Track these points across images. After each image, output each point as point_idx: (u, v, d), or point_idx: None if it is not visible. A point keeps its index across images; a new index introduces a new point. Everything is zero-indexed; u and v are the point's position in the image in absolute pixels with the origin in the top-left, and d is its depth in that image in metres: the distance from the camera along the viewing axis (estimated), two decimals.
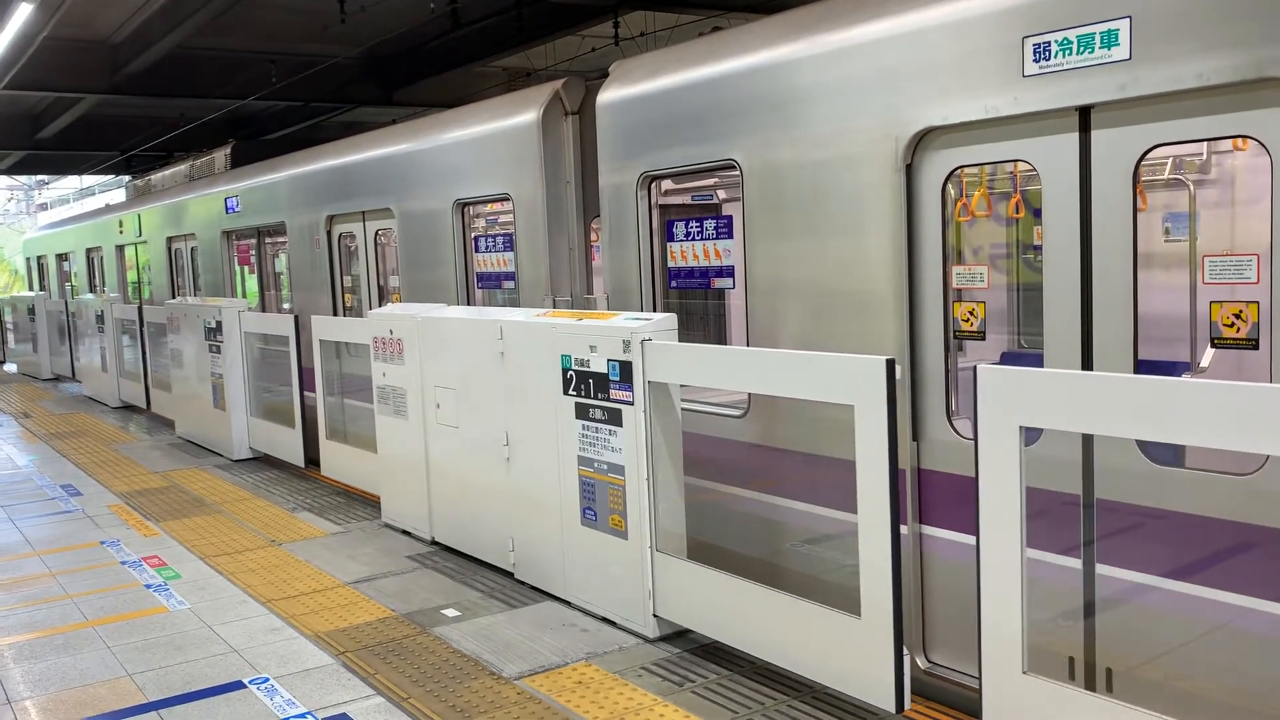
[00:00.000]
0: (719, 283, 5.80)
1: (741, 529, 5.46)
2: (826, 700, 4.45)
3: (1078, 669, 4.06)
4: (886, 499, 3.90)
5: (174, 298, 14.58)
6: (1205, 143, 4.87)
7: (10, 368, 22.15)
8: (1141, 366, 3.91)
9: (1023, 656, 3.56)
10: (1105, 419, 3.28)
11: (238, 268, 13.48)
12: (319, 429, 9.15)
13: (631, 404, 5.01)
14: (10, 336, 22.70)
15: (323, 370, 9.11)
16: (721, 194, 7.40)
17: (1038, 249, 4.28)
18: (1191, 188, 5.22)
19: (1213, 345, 3.79)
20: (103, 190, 41.19)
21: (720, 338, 6.55)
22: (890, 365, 3.88)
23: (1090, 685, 4.00)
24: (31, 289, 26.03)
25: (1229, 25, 3.48)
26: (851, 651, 4.13)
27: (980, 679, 3.71)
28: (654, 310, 6.17)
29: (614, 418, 5.13)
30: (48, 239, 24.01)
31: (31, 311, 19.67)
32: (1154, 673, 3.84)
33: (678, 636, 5.16)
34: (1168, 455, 3.84)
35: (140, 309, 13.80)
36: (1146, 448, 3.84)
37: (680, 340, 5.16)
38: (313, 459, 9.47)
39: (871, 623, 4.02)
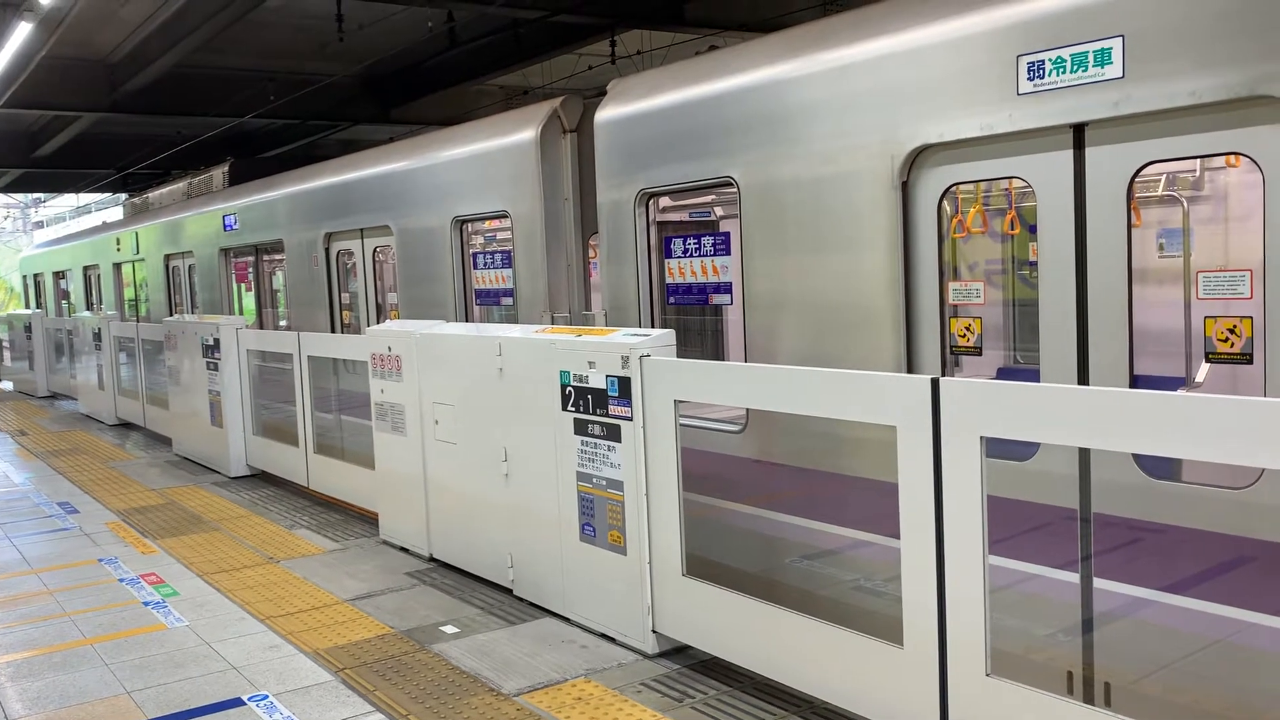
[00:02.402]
0: (717, 299, 5.83)
1: (740, 544, 5.47)
2: (826, 715, 4.45)
3: (1076, 684, 4.07)
4: (932, 525, 3.70)
5: (171, 315, 14.60)
6: (1198, 160, 4.91)
7: (6, 385, 22.11)
8: (1137, 381, 3.94)
9: (986, 659, 3.58)
10: (1057, 429, 3.32)
11: (235, 285, 13.50)
12: (305, 443, 9.15)
13: (630, 420, 5.03)
14: (6, 354, 22.67)
15: (313, 386, 9.13)
16: (719, 211, 7.44)
17: (1033, 265, 4.31)
18: (1185, 204, 5.26)
19: (1207, 360, 3.82)
20: (99, 208, 41.23)
21: (718, 354, 6.57)
22: (935, 384, 3.66)
23: (1089, 700, 4.01)
24: (28, 307, 26.03)
25: (1221, 43, 3.52)
26: (891, 682, 3.95)
27: (944, 682, 3.72)
28: (652, 326, 6.20)
29: (613, 433, 5.15)
30: (45, 257, 24.04)
31: (28, 329, 19.66)
32: (1152, 687, 3.86)
33: (677, 652, 5.16)
34: (1163, 469, 3.86)
35: (137, 326, 13.82)
36: (1142, 462, 3.86)
37: (676, 357, 5.17)
38: None
39: (916, 654, 3.84)
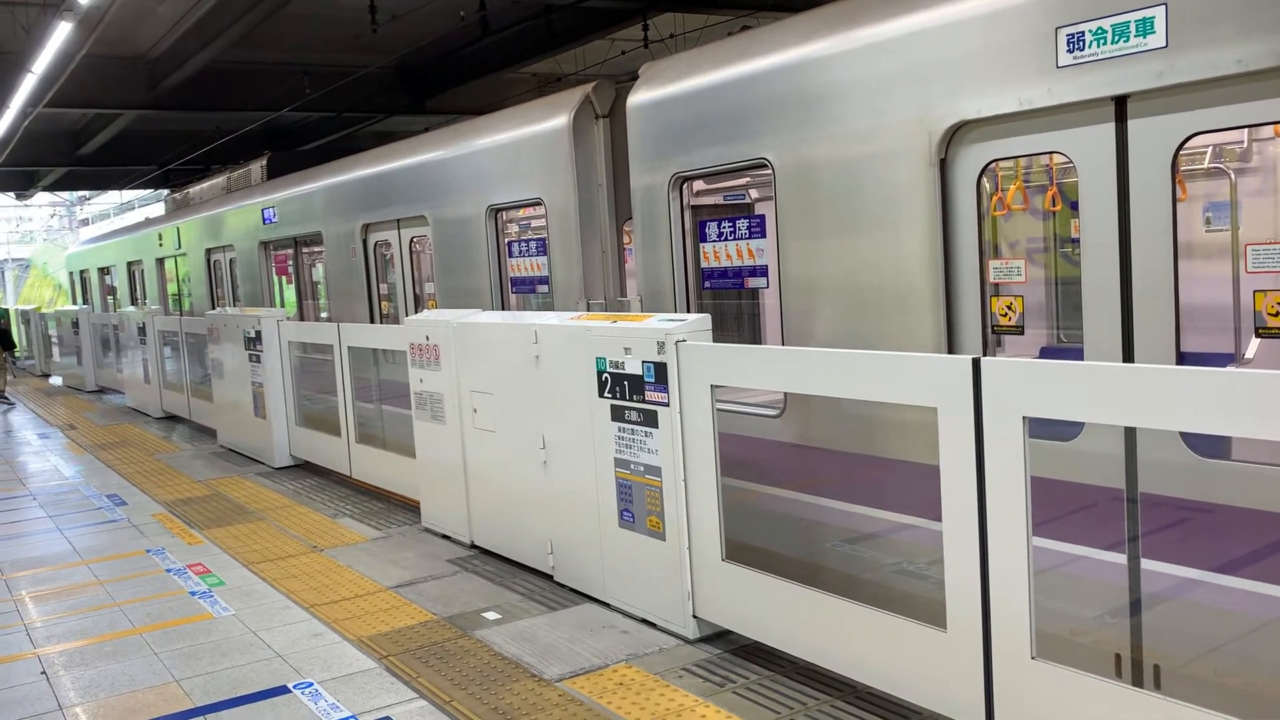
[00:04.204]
0: (753, 282, 5.78)
1: (780, 529, 5.44)
2: (870, 700, 4.42)
3: (1124, 666, 4.01)
4: (974, 507, 3.66)
5: (214, 309, 14.78)
6: (1246, 130, 4.80)
7: (56, 380, 22.53)
8: (1185, 358, 3.86)
9: (1031, 642, 3.53)
10: (1102, 408, 3.25)
11: (275, 278, 13.64)
12: (347, 433, 9.22)
13: (667, 405, 5.01)
14: (55, 350, 23.08)
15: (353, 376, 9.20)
16: (754, 193, 7.39)
17: (1075, 242, 4.23)
18: (1232, 176, 5.13)
19: (1257, 335, 3.73)
20: (142, 205, 41.83)
21: (755, 337, 6.53)
22: (977, 364, 3.60)
23: (1138, 683, 3.94)
24: (75, 303, 26.49)
25: (1268, 10, 3.42)
26: (935, 666, 3.91)
27: (988, 665, 3.67)
28: (688, 311, 6.17)
29: (649, 419, 5.13)
30: (90, 253, 24.43)
31: (75, 325, 20.00)
32: (1202, 670, 3.79)
33: (718, 637, 5.15)
34: (1212, 448, 3.78)
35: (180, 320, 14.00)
36: (1190, 440, 3.78)
37: (712, 341, 5.13)
38: None
39: (958, 637, 3.80)
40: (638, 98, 6.28)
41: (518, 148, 7.77)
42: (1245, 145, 5.10)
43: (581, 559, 5.86)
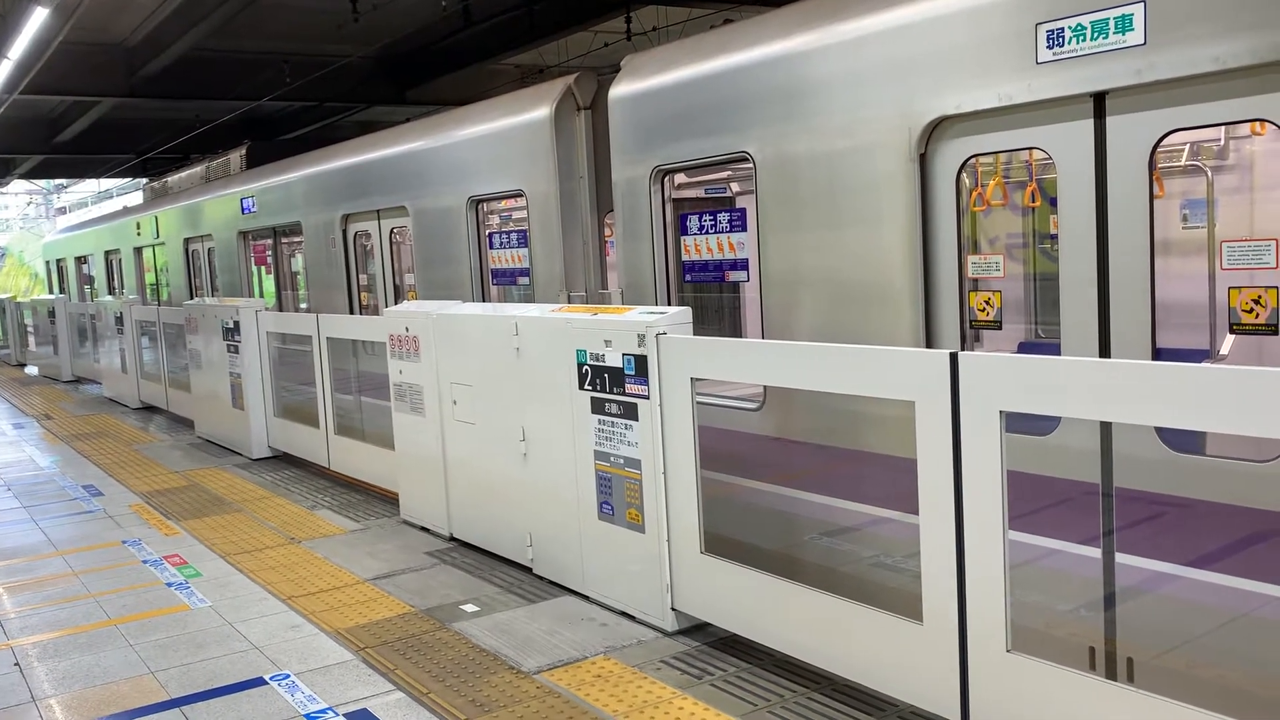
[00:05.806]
0: (733, 276, 5.79)
1: (759, 522, 5.45)
2: (846, 692, 4.44)
3: (1098, 659, 4.04)
4: (950, 500, 3.68)
5: (192, 299, 14.67)
6: (1222, 127, 4.83)
7: (31, 370, 22.32)
8: (1160, 354, 3.89)
9: (1006, 635, 3.55)
10: (1078, 403, 3.28)
11: (254, 268, 13.55)
12: (326, 425, 9.18)
13: (647, 398, 5.01)
14: (31, 339, 22.88)
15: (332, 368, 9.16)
16: (735, 187, 7.39)
17: (1054, 238, 4.25)
18: (1209, 173, 5.17)
19: (1232, 332, 3.76)
20: (121, 193, 41.47)
21: (735, 331, 6.54)
22: (954, 359, 3.62)
23: (1111, 675, 3.98)
24: (51, 292, 26.25)
25: (1246, 8, 3.45)
26: (911, 659, 3.93)
27: (964, 658, 3.70)
28: (669, 304, 6.17)
29: (629, 412, 5.13)
30: (67, 242, 24.21)
31: (52, 314, 19.82)
32: (1175, 662, 3.82)
33: (696, 630, 5.16)
34: (1187, 443, 3.81)
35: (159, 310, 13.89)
36: (1164, 435, 3.81)
37: (693, 334, 5.14)
38: None
39: (934, 630, 3.81)
40: (620, 90, 6.27)
41: (499, 139, 7.75)
42: (1222, 143, 5.14)
43: (560, 551, 5.85)
